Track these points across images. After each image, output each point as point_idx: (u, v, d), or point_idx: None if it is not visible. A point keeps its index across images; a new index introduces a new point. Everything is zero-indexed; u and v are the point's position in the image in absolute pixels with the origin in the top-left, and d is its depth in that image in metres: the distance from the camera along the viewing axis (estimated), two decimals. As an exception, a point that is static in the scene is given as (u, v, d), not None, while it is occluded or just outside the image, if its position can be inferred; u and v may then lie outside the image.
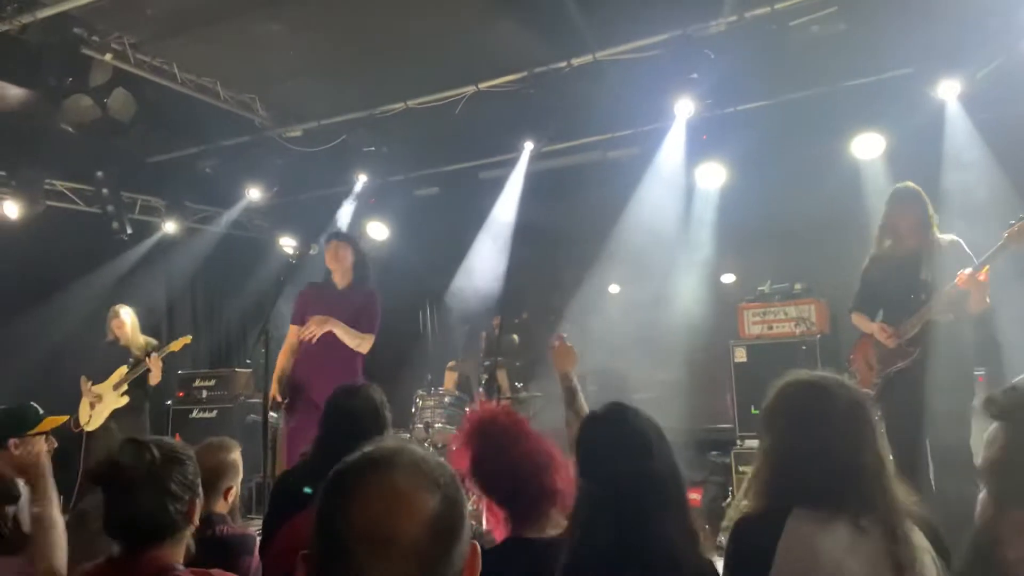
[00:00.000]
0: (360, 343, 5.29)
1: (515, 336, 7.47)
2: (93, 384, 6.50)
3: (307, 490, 2.67)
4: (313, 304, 5.39)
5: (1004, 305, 4.76)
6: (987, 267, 4.14)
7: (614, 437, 2.01)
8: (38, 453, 2.55)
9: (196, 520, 2.06)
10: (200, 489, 2.07)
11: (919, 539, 1.98)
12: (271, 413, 5.35)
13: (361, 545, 1.04)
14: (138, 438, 2.03)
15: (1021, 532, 1.93)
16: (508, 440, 2.32)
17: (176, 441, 2.09)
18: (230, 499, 3.00)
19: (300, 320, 5.37)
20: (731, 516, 2.14)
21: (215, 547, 2.66)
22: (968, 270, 4.13)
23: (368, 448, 1.15)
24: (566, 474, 2.24)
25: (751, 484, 2.16)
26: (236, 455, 3.07)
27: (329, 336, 5.19)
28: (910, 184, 4.56)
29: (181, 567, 1.96)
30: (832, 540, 1.94)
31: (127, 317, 6.67)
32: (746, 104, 6.53)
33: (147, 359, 6.41)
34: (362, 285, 5.49)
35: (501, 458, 2.30)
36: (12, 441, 3.17)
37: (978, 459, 4.17)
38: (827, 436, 2.03)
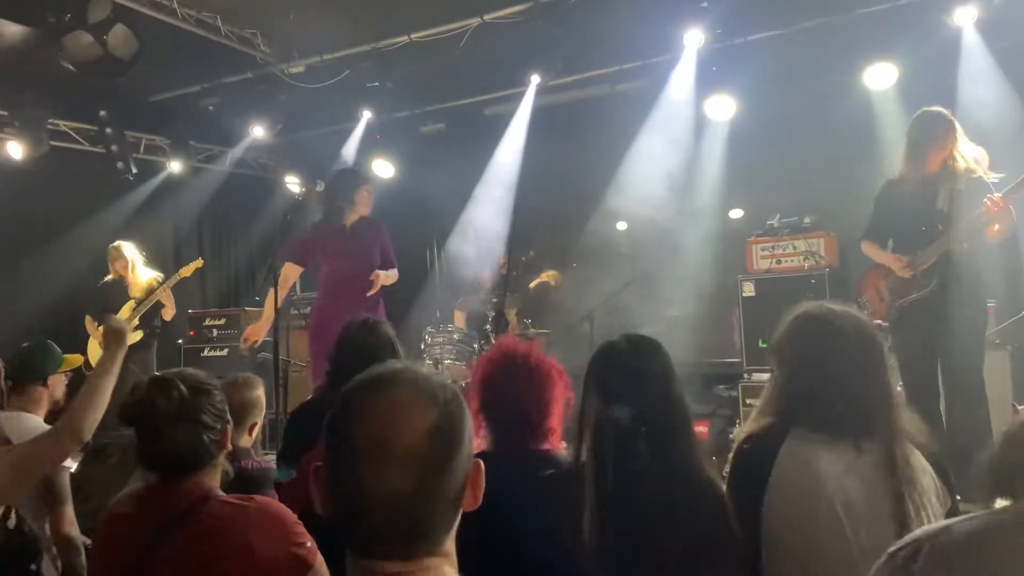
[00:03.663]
0: (390, 278, 5.51)
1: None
2: (98, 324, 6.42)
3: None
4: (327, 246, 5.42)
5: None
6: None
7: (639, 365, 2.04)
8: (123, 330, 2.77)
9: (229, 445, 2.10)
10: (229, 415, 2.10)
11: (919, 460, 2.01)
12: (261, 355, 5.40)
13: (361, 454, 1.10)
14: (163, 375, 2.04)
15: None
16: (521, 375, 2.34)
17: (199, 372, 2.11)
18: (254, 434, 3.06)
19: (303, 261, 5.46)
20: (737, 436, 2.18)
21: (240, 480, 2.70)
22: (997, 196, 4.07)
23: (376, 368, 1.22)
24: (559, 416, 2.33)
25: (757, 410, 2.20)
26: (260, 392, 3.12)
27: (359, 282, 5.30)
28: (937, 108, 4.44)
29: (221, 493, 2.01)
30: (831, 460, 1.98)
31: (132, 256, 6.55)
32: (756, 34, 6.37)
33: (159, 292, 6.33)
34: (368, 220, 5.56)
35: (508, 389, 2.33)
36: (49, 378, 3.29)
37: (989, 390, 4.24)
38: (836, 368, 2.05)
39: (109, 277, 6.61)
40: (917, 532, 1.54)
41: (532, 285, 7.77)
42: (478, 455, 2.36)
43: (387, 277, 5.48)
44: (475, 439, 2.45)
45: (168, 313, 6.48)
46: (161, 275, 6.72)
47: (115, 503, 2.07)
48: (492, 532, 1.97)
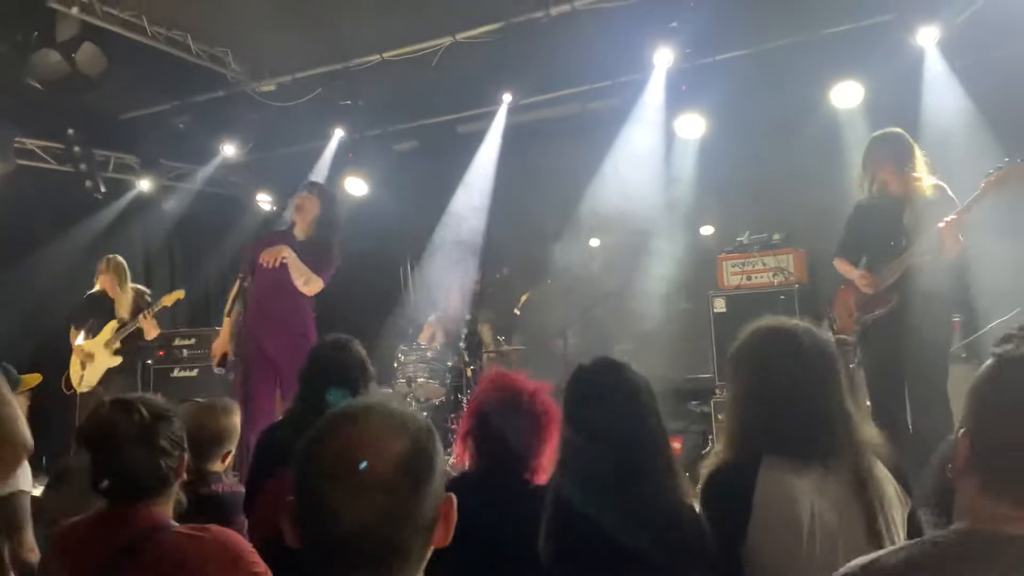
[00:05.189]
0: (308, 281, 4.98)
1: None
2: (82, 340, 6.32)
3: None
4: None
5: (980, 252, 4.80)
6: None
7: (610, 393, 2.02)
8: None
9: (184, 475, 2.06)
10: (186, 444, 2.07)
11: (881, 471, 2.02)
12: (218, 369, 5.32)
13: (330, 480, 1.11)
14: (125, 397, 2.02)
15: None
16: (524, 416, 2.34)
17: (161, 399, 2.08)
18: (227, 462, 3.02)
19: (250, 268, 5.08)
20: (706, 466, 2.15)
21: (211, 504, 2.68)
22: (951, 217, 4.14)
23: (349, 403, 1.21)
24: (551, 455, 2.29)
25: (723, 437, 2.18)
26: (237, 419, 3.09)
27: (279, 282, 4.96)
28: (893, 129, 4.54)
29: (175, 523, 1.97)
30: (805, 486, 1.96)
31: (123, 272, 6.41)
32: (725, 53, 6.48)
33: (140, 318, 6.21)
34: (322, 238, 5.16)
35: (507, 425, 2.32)
36: None
37: (955, 403, 4.29)
38: (793, 382, 2.04)
39: (95, 289, 6.46)
40: (851, 563, 1.52)
41: (523, 299, 7.77)
42: (463, 475, 2.36)
43: (296, 263, 4.96)
44: (459, 460, 2.44)
45: (148, 335, 6.36)
46: (146, 289, 6.62)
47: (64, 530, 2.02)
48: (471, 548, 1.97)
